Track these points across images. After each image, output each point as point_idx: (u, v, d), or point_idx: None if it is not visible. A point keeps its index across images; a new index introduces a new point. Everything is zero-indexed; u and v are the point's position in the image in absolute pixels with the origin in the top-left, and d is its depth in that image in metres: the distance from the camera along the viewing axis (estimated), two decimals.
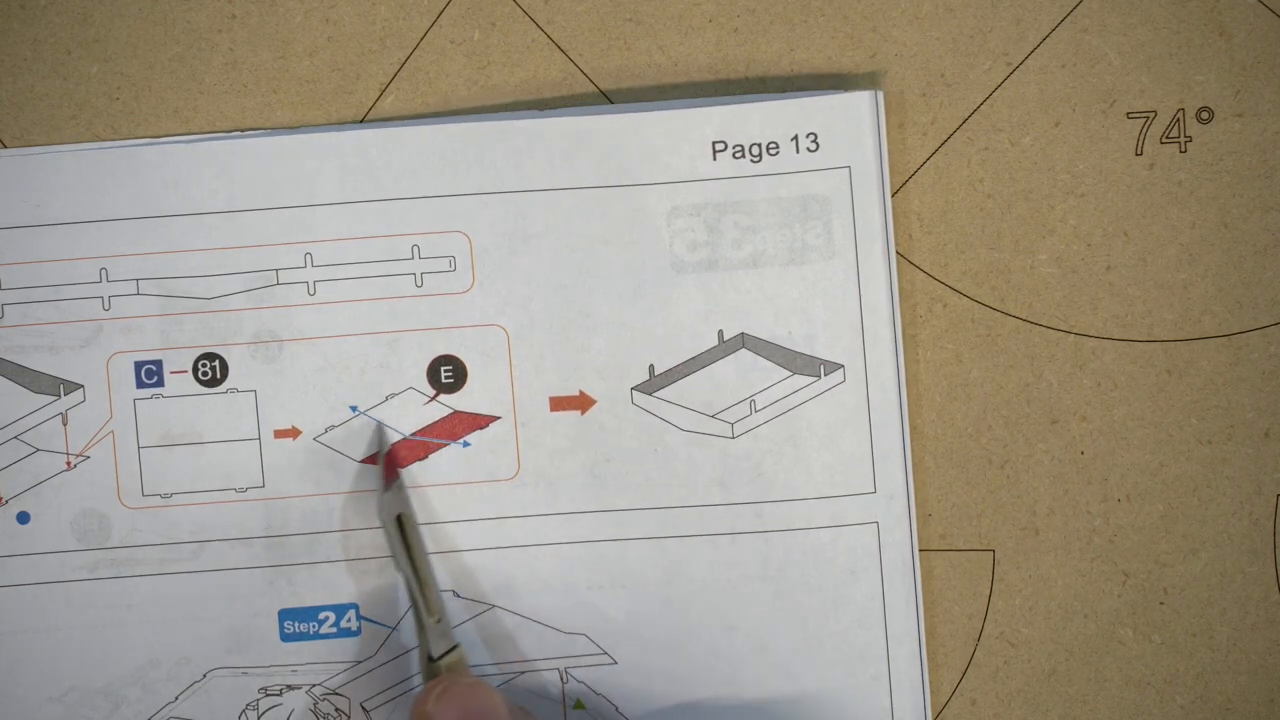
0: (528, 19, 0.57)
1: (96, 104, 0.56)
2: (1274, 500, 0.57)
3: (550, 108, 0.56)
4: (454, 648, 0.54)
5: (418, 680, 0.56)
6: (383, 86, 0.56)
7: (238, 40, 0.56)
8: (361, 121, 0.56)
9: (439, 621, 0.54)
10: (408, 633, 0.56)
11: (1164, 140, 0.57)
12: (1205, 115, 0.57)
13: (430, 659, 0.54)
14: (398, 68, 0.56)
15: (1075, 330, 0.57)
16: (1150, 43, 0.57)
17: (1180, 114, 0.57)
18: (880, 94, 0.56)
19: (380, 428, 0.56)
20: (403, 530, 0.54)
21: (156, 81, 0.56)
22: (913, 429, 0.57)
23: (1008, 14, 0.57)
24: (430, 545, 0.56)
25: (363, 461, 0.56)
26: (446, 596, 0.56)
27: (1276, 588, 0.57)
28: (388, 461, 0.55)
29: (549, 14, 0.57)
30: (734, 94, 0.56)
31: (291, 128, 0.56)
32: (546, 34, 0.57)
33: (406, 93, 0.56)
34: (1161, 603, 0.57)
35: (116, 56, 0.56)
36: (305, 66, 0.56)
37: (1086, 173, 0.57)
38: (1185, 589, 0.57)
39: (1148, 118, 0.57)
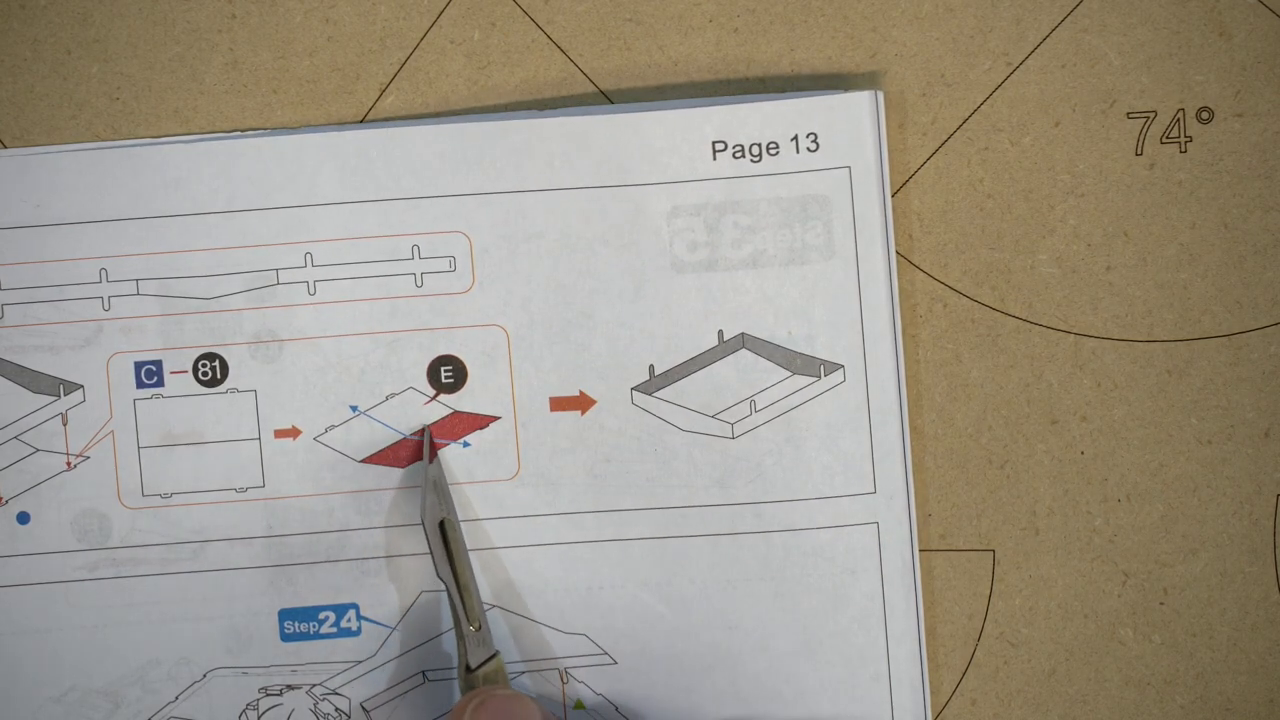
0: (528, 19, 0.57)
1: (96, 104, 0.56)
2: (1274, 500, 0.57)
3: (550, 108, 0.56)
4: (493, 656, 0.54)
5: (417, 680, 0.56)
6: (383, 86, 0.56)
7: (238, 40, 0.56)
8: (361, 121, 0.56)
9: (479, 629, 0.54)
10: (408, 633, 0.56)
11: (1164, 140, 0.57)
12: (1205, 115, 0.57)
13: (469, 669, 0.53)
14: (398, 68, 0.56)
15: (1075, 330, 0.57)
16: (1150, 43, 0.57)
17: (1180, 114, 0.57)
18: (880, 94, 0.56)
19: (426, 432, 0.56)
20: (445, 536, 0.54)
21: (156, 81, 0.56)
22: (913, 429, 0.57)
23: (1008, 14, 0.57)
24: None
25: (364, 461, 0.56)
26: (447, 596, 0.56)
27: (1276, 588, 0.57)
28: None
29: (549, 14, 0.57)
30: (734, 94, 0.56)
31: (291, 128, 0.56)
32: (546, 34, 0.57)
33: (406, 93, 0.56)
34: (1161, 603, 0.57)
35: (116, 56, 0.56)
36: (305, 66, 0.56)
37: (1086, 173, 0.57)
38: (1185, 589, 0.57)
39: (1148, 118, 0.57)
